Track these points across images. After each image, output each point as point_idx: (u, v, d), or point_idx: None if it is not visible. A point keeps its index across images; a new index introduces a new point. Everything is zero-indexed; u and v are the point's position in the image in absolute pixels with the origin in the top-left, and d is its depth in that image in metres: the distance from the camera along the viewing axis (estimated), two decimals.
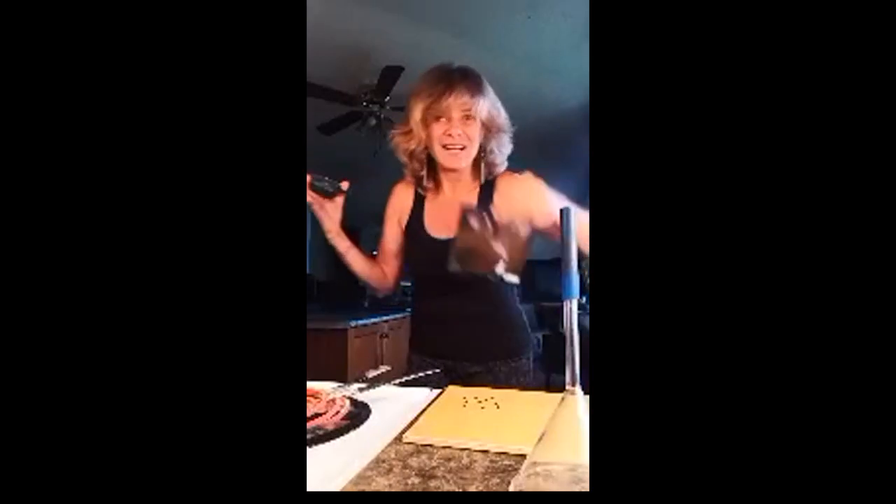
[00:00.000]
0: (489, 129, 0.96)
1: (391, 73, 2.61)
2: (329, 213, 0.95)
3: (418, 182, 1.03)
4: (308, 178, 0.92)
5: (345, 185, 0.95)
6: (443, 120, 0.93)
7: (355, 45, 2.57)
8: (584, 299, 3.39)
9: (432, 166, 1.01)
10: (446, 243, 0.91)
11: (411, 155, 1.00)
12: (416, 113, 0.95)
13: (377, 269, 1.05)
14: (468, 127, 0.94)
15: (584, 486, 0.32)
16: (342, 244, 0.98)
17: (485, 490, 0.40)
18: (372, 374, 0.75)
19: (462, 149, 0.94)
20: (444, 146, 0.94)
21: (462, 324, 0.97)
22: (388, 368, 0.77)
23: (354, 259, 1.00)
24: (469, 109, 0.93)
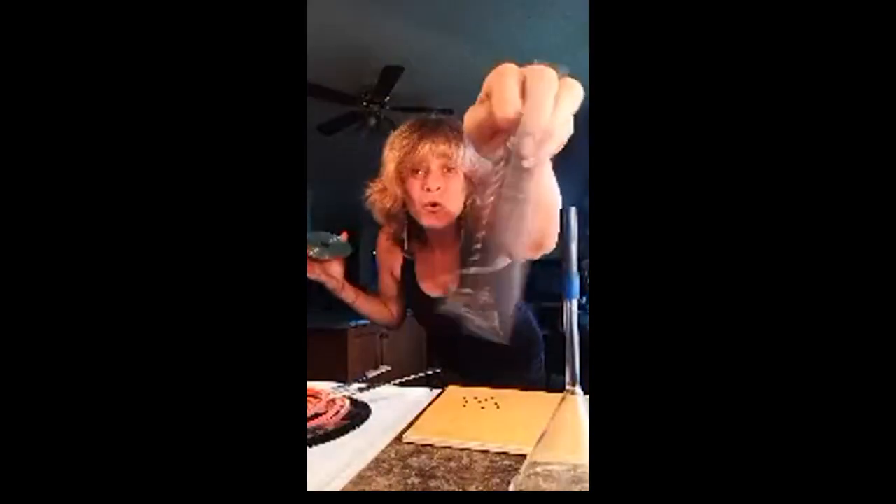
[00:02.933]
0: (472, 181, 0.82)
1: (391, 74, 2.61)
2: (331, 274, 0.92)
3: (400, 245, 0.93)
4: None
5: (344, 237, 0.91)
6: (420, 173, 0.81)
7: (355, 45, 2.57)
8: (584, 299, 3.38)
9: (416, 224, 0.88)
10: (444, 300, 0.85)
11: (388, 214, 0.88)
12: (390, 166, 0.82)
13: (384, 310, 1.03)
14: (449, 180, 0.80)
15: (584, 486, 0.32)
16: (349, 297, 0.96)
17: (485, 490, 0.40)
18: (372, 374, 0.75)
19: (440, 206, 0.80)
20: (423, 203, 0.81)
21: (472, 342, 0.95)
22: (388, 368, 0.77)
23: (362, 305, 0.99)
24: (449, 159, 0.79)
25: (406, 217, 0.89)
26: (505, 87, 0.30)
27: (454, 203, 0.82)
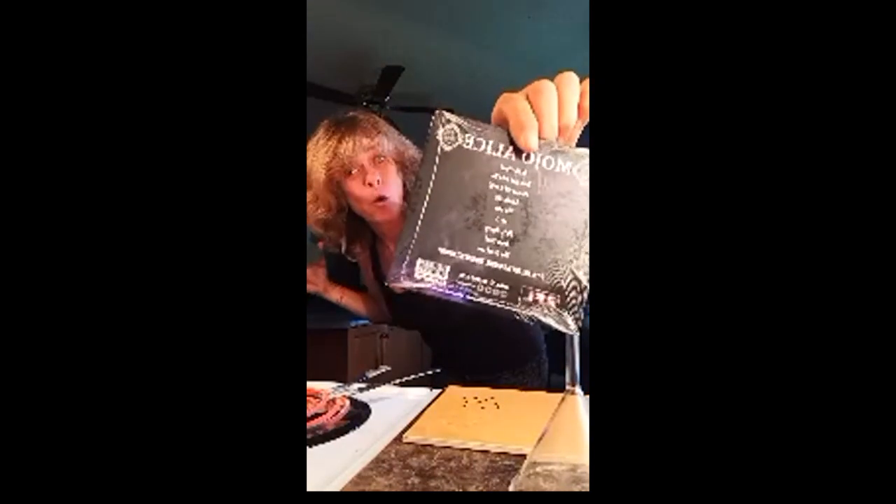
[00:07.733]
0: (404, 165, 0.84)
1: (391, 73, 2.60)
2: (311, 279, 0.92)
3: (343, 252, 0.92)
4: None
5: (320, 246, 0.92)
6: (355, 172, 0.81)
7: (355, 45, 2.57)
8: None
9: (360, 227, 0.89)
10: (412, 294, 0.86)
11: (326, 224, 0.87)
12: (319, 173, 0.81)
13: (373, 306, 1.03)
14: (383, 170, 0.81)
15: (584, 486, 0.32)
16: (335, 295, 0.96)
17: (485, 490, 0.40)
18: (372, 374, 0.75)
19: (386, 198, 0.81)
20: (370, 200, 0.81)
21: (463, 340, 0.94)
22: (388, 368, 0.77)
23: (349, 303, 0.99)
24: (375, 150, 0.81)
25: (344, 222, 0.88)
26: (518, 110, 0.32)
27: (396, 192, 0.82)
